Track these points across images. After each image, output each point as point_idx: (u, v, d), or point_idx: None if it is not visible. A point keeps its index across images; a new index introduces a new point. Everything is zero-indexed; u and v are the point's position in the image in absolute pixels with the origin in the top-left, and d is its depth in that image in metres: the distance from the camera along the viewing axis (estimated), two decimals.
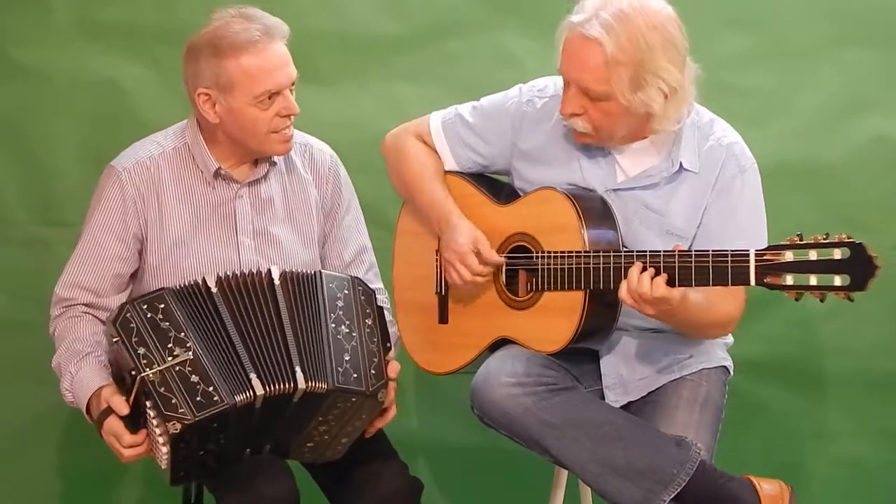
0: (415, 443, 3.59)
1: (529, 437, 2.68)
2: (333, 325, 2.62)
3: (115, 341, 2.55)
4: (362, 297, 2.69)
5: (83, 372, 2.67)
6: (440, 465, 3.62)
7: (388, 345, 2.70)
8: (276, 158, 2.87)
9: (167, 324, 2.54)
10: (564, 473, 3.03)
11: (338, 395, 2.59)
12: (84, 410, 2.66)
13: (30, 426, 3.53)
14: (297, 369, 2.57)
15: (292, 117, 2.80)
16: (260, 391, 2.54)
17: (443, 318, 2.95)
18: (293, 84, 2.79)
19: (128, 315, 2.54)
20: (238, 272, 2.65)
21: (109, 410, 2.57)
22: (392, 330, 2.87)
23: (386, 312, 2.91)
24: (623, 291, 2.59)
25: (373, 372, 2.61)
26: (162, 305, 2.56)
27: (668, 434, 2.70)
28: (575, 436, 2.66)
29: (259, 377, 2.55)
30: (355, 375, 2.59)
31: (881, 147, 3.51)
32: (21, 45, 3.47)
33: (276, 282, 2.63)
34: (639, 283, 2.57)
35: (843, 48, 3.50)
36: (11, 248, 3.50)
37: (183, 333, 2.54)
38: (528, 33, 3.50)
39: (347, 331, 2.63)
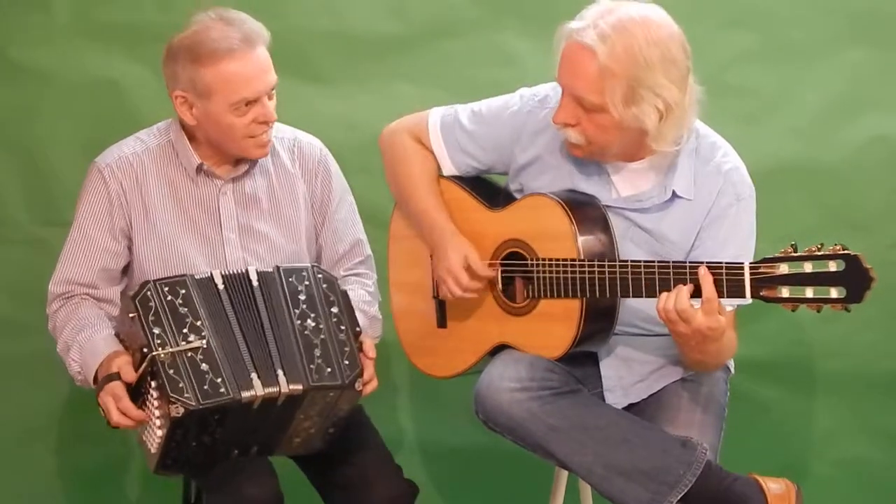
0: (412, 444, 3.59)
1: (535, 442, 2.67)
2: (299, 322, 2.62)
3: (132, 317, 2.55)
4: (324, 286, 2.67)
5: (95, 339, 2.69)
6: (438, 466, 3.62)
7: (358, 329, 2.67)
8: None
9: (185, 309, 2.55)
10: (565, 475, 3.03)
11: (315, 393, 2.59)
12: (91, 378, 2.65)
13: (29, 426, 3.52)
14: (280, 372, 2.58)
15: (270, 123, 2.79)
16: (260, 391, 2.55)
17: (441, 323, 2.94)
18: (272, 89, 2.78)
19: (148, 293, 2.55)
20: (233, 271, 2.66)
21: (116, 375, 2.57)
22: (374, 311, 2.90)
23: (371, 300, 2.93)
24: (669, 304, 2.54)
25: (346, 362, 2.61)
26: (183, 291, 2.57)
27: (673, 435, 2.69)
28: (580, 439, 2.66)
29: (259, 378, 2.56)
30: (329, 370, 2.59)
31: (881, 147, 3.51)
32: (21, 46, 3.46)
33: (255, 283, 2.64)
34: (677, 300, 2.53)
35: (844, 48, 3.50)
36: (11, 248, 3.50)
37: (200, 322, 2.55)
38: (528, 33, 3.49)
39: (314, 324, 2.62)
